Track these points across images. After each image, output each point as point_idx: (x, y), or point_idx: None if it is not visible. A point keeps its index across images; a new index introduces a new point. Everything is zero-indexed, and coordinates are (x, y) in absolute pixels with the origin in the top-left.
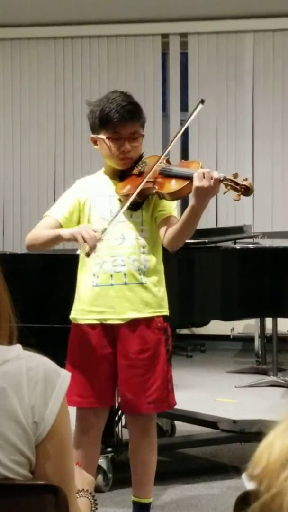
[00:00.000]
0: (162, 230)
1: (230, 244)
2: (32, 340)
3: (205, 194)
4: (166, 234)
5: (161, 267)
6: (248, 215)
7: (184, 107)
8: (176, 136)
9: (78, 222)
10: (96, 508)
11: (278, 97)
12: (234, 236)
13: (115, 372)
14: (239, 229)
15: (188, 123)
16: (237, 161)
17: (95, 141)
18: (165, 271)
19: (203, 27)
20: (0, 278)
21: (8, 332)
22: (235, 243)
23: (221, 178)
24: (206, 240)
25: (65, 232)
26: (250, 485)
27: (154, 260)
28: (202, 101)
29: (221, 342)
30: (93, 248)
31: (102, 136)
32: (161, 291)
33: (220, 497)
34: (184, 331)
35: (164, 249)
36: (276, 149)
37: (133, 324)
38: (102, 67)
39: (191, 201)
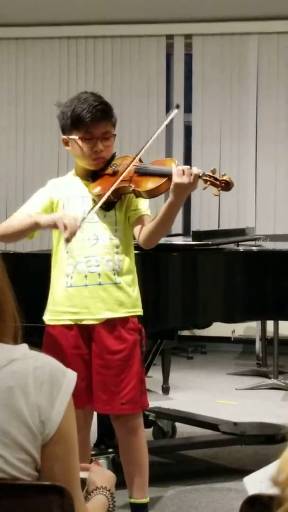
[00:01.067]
0: (137, 229)
1: (233, 246)
2: (36, 339)
3: (183, 190)
4: (141, 232)
5: (134, 267)
6: (250, 217)
7: (188, 108)
8: (151, 138)
9: None
10: (114, 506)
11: (282, 99)
12: (237, 238)
13: (91, 372)
14: (241, 232)
15: (161, 128)
16: (240, 163)
17: (66, 142)
18: (168, 272)
19: (208, 28)
20: (4, 277)
21: (13, 331)
22: (238, 245)
23: (200, 174)
24: (210, 242)
25: (44, 218)
26: (252, 490)
27: (128, 260)
28: (177, 106)
29: (222, 344)
30: (73, 234)
31: (74, 136)
32: (135, 291)
33: (221, 499)
34: (185, 333)
35: (161, 250)
36: (279, 151)
37: (108, 324)
38: (107, 67)
39: (169, 197)
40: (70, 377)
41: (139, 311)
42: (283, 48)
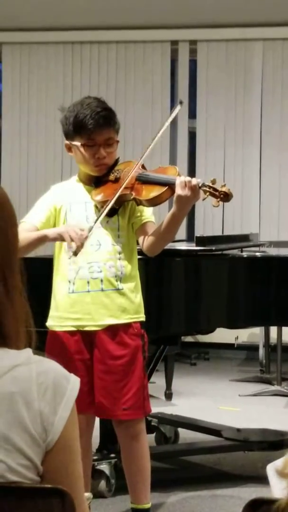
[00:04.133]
0: (141, 236)
1: (237, 252)
2: (40, 344)
3: (187, 202)
4: (146, 239)
5: (137, 273)
6: (254, 223)
7: (192, 114)
8: (153, 141)
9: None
10: None
11: (287, 105)
12: (241, 244)
13: (93, 378)
14: (245, 237)
15: (165, 126)
16: (244, 169)
17: (69, 148)
18: (171, 278)
19: (212, 34)
20: (17, 283)
21: (25, 337)
22: (241, 251)
23: (200, 185)
24: (213, 248)
25: (50, 232)
26: (273, 478)
27: (130, 266)
28: (181, 102)
29: (226, 351)
30: (80, 247)
31: (76, 142)
32: (138, 297)
33: (223, 505)
34: (189, 339)
35: (164, 255)
36: (283, 158)
37: (111, 330)
38: (111, 73)
39: (173, 208)
40: (73, 383)
41: (142, 317)
42: (287, 53)
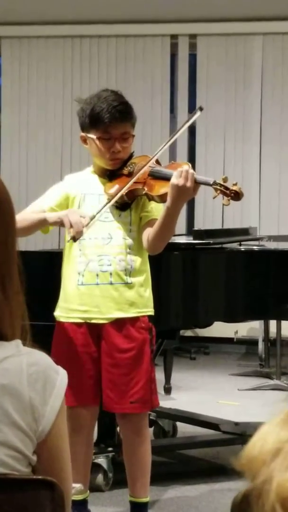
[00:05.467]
0: (145, 232)
1: (235, 245)
2: (38, 338)
3: (180, 193)
4: (147, 237)
5: (147, 268)
6: (254, 218)
7: (192, 108)
8: (170, 139)
9: None
10: None
11: (287, 99)
12: (240, 238)
13: (99, 371)
14: (244, 231)
15: (184, 128)
16: (244, 164)
17: (84, 140)
18: (169, 271)
19: (212, 28)
20: (14, 274)
21: (21, 330)
22: (240, 245)
23: (211, 182)
24: (211, 241)
25: (51, 215)
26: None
27: (140, 261)
28: (201, 109)
29: (225, 345)
30: (79, 233)
31: (92, 135)
32: (147, 292)
33: (221, 499)
34: (188, 333)
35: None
36: (283, 152)
37: (118, 323)
38: (111, 67)
39: (167, 201)
40: (63, 375)
41: (151, 311)
42: (287, 48)
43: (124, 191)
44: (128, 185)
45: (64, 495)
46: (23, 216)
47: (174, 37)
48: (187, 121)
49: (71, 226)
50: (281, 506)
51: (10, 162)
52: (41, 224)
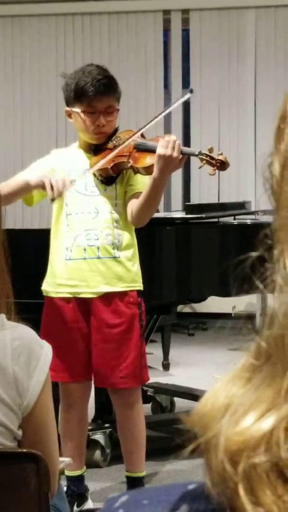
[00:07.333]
0: (130, 204)
1: (228, 219)
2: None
3: (167, 163)
4: (131, 209)
5: (135, 242)
6: (250, 193)
7: (186, 84)
8: (156, 116)
9: None
10: None
11: (280, 73)
12: (234, 212)
13: (89, 346)
14: (239, 206)
15: (171, 108)
16: (239, 139)
17: (69, 114)
18: (161, 246)
19: (205, 3)
20: (0, 253)
21: (6, 307)
22: (234, 219)
23: (196, 153)
24: (203, 216)
25: (33, 178)
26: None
27: (127, 235)
28: (191, 91)
29: (223, 320)
30: (58, 195)
31: (76, 109)
32: (135, 266)
33: None
34: (186, 309)
35: (155, 224)
36: None
37: (107, 298)
38: (104, 44)
39: (153, 172)
40: (47, 348)
41: (139, 285)
42: (281, 21)
43: (107, 159)
44: (112, 155)
45: (49, 468)
46: (8, 182)
47: (166, 12)
48: (176, 101)
49: (52, 188)
50: (229, 460)
51: (4, 141)
52: (24, 189)
